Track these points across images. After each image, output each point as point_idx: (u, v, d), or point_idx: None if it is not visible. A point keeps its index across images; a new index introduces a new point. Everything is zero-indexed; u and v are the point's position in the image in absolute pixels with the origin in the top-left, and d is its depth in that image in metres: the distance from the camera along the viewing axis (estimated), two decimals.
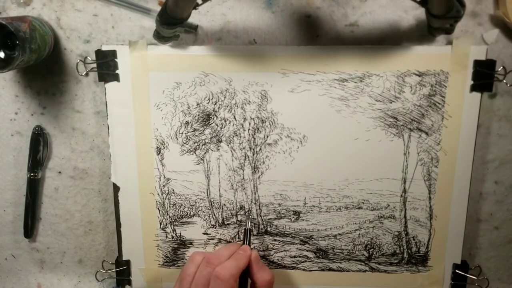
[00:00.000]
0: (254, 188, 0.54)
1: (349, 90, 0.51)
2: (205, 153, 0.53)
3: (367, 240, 0.55)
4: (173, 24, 0.44)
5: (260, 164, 0.53)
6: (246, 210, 0.54)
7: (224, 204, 0.55)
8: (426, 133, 0.51)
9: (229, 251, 0.49)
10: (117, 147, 0.53)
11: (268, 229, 0.55)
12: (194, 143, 0.53)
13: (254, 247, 0.56)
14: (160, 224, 0.56)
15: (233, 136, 0.53)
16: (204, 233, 0.56)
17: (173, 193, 0.55)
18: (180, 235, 0.56)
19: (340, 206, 0.54)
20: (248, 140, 0.53)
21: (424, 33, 0.50)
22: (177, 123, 0.53)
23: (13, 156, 0.56)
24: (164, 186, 0.54)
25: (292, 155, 0.53)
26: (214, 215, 0.55)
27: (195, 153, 0.53)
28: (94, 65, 0.52)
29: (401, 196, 0.53)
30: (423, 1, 0.42)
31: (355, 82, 0.50)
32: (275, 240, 0.56)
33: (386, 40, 0.50)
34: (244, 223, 0.55)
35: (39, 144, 0.55)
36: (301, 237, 0.55)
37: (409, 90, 0.50)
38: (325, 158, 0.53)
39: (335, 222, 0.55)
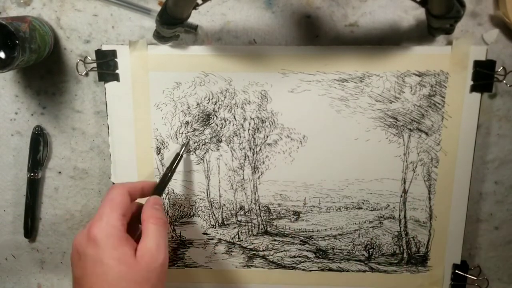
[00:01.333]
0: (254, 188, 0.54)
1: (349, 90, 0.51)
2: (205, 153, 0.53)
3: (367, 240, 0.55)
4: (173, 24, 0.44)
5: (260, 164, 0.53)
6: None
7: (224, 204, 0.55)
8: (426, 133, 0.51)
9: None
10: (117, 147, 0.53)
11: (268, 229, 0.55)
12: (194, 143, 0.53)
13: (254, 247, 0.56)
14: None
15: (233, 136, 0.53)
16: (204, 233, 0.56)
17: (173, 193, 0.55)
18: (180, 235, 0.56)
19: (340, 206, 0.54)
20: (248, 140, 0.53)
21: (424, 33, 0.50)
22: (177, 123, 0.53)
23: (13, 156, 0.56)
24: None
25: (292, 155, 0.53)
26: (214, 215, 0.55)
27: (195, 153, 0.53)
28: (94, 65, 0.52)
29: (401, 196, 0.53)
30: (423, 1, 0.42)
31: (355, 82, 0.50)
32: (274, 240, 0.56)
33: (386, 40, 0.50)
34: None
35: (39, 144, 0.55)
36: (301, 237, 0.55)
37: (409, 91, 0.50)
38: (325, 158, 0.53)
39: (335, 222, 0.55)
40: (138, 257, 0.39)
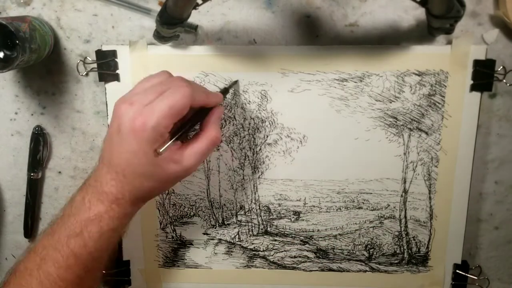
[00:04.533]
0: (254, 188, 0.54)
1: (349, 90, 0.51)
2: None
3: (367, 240, 0.55)
4: (173, 24, 0.44)
5: (260, 164, 0.53)
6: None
7: (224, 204, 0.55)
8: (426, 133, 0.51)
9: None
10: None
11: (268, 229, 0.55)
12: None
13: (254, 247, 0.56)
14: (160, 224, 0.56)
15: (233, 136, 0.53)
16: (204, 233, 0.56)
17: (173, 193, 0.55)
18: (180, 235, 0.56)
19: (340, 206, 0.54)
20: (248, 140, 0.53)
21: (424, 33, 0.50)
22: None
23: (13, 156, 0.56)
24: None
25: (292, 155, 0.53)
26: (214, 215, 0.55)
27: None
28: (94, 65, 0.52)
29: (401, 196, 0.53)
30: (423, 1, 0.42)
31: (355, 82, 0.50)
32: (275, 240, 0.56)
33: (386, 40, 0.50)
34: None
35: (39, 144, 0.55)
36: (301, 237, 0.55)
37: (409, 90, 0.50)
38: (325, 158, 0.53)
39: (335, 222, 0.55)
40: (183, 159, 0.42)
